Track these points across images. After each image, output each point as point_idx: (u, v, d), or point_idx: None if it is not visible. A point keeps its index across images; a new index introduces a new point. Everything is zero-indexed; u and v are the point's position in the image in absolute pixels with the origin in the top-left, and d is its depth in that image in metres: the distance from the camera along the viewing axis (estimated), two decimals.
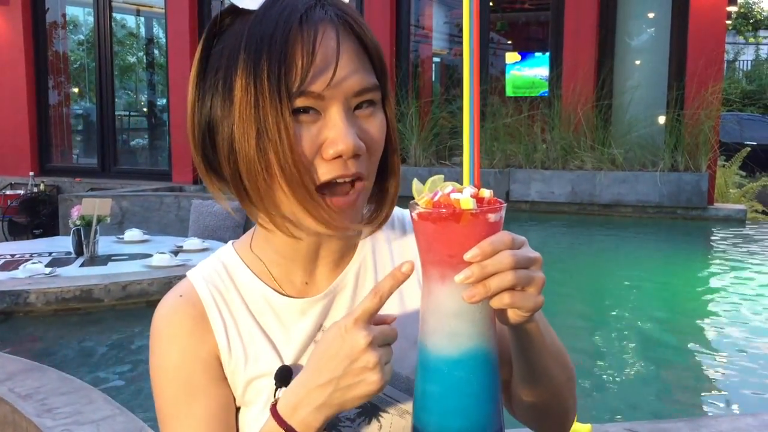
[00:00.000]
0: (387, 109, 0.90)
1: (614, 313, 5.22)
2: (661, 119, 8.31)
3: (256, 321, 0.93)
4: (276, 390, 0.89)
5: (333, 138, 0.82)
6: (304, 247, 0.92)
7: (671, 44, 8.45)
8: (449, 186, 0.75)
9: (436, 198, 0.74)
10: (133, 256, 5.66)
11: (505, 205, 0.75)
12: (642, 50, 8.92)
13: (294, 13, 0.82)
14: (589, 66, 8.33)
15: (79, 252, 5.66)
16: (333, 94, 0.82)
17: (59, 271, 5.10)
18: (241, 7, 0.84)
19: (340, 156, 0.83)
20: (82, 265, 5.41)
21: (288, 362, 0.92)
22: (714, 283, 5.81)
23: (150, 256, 5.36)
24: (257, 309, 0.94)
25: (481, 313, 0.75)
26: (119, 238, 6.41)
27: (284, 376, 0.89)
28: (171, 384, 0.92)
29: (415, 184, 0.77)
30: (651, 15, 8.91)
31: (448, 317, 0.75)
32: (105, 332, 4.47)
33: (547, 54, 9.32)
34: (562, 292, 5.27)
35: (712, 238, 7.45)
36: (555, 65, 8.73)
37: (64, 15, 11.69)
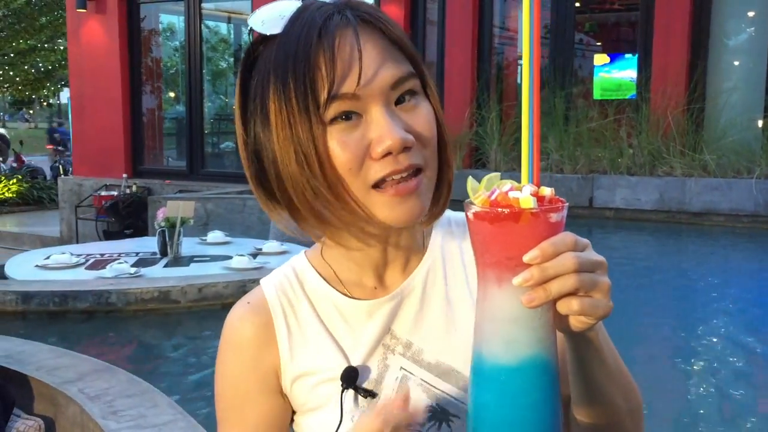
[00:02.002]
0: (430, 96, 0.89)
1: (701, 334, 4.92)
2: (759, 123, 7.87)
3: (324, 325, 0.95)
4: (342, 391, 0.91)
5: (379, 136, 0.81)
6: (371, 251, 0.92)
7: None
8: (507, 184, 0.71)
9: (493, 196, 0.69)
10: (214, 258, 5.81)
11: (567, 204, 0.70)
12: (739, 51, 8.48)
13: (312, 28, 0.82)
14: (680, 68, 7.98)
15: (163, 253, 5.86)
16: (368, 93, 0.82)
17: (143, 271, 5.28)
18: (266, 33, 0.85)
19: (389, 153, 0.81)
20: (165, 266, 5.59)
21: (355, 364, 0.93)
22: None
23: (230, 257, 5.48)
24: (325, 313, 0.95)
25: (540, 320, 0.71)
26: (202, 239, 6.60)
27: (350, 376, 0.91)
28: (228, 391, 0.97)
29: (470, 182, 0.73)
30: (750, 14, 8.46)
31: (505, 323, 0.71)
32: (179, 333, 4.58)
33: (636, 56, 9.00)
34: (645, 311, 5.02)
35: None
36: (644, 67, 8.41)
37: (157, 23, 12.16)
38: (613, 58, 10.09)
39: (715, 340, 4.74)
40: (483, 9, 9.19)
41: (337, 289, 0.95)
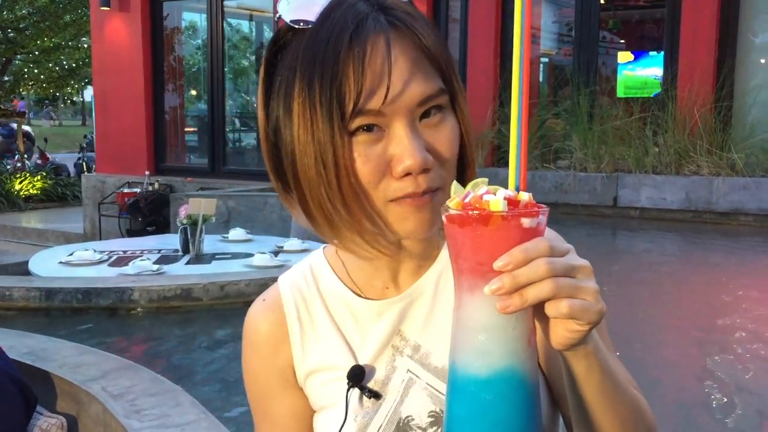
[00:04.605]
0: (458, 111, 0.87)
1: (730, 339, 4.79)
2: None
3: (335, 323, 0.95)
4: (348, 390, 0.91)
5: (399, 155, 0.81)
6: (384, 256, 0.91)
7: None
8: (484, 187, 0.69)
9: (467, 199, 0.68)
10: (235, 255, 5.81)
11: (547, 209, 0.68)
12: (767, 48, 8.33)
13: (344, 32, 0.80)
14: (707, 65, 7.86)
15: (185, 250, 5.86)
16: (394, 109, 0.80)
17: (165, 268, 5.29)
18: (292, 18, 0.83)
19: (409, 173, 0.81)
20: (187, 263, 5.60)
21: (362, 363, 0.93)
22: None
23: (252, 255, 5.47)
24: (336, 311, 0.96)
25: (515, 330, 0.68)
26: (224, 237, 6.60)
27: (356, 375, 0.91)
28: (252, 386, 1.01)
29: (455, 186, 0.72)
30: None
31: (477, 332, 0.69)
32: (201, 331, 4.57)
33: (662, 53, 8.88)
34: (671, 313, 4.92)
35: None
36: (670, 65, 8.30)
37: (180, 20, 12.20)
38: (638, 55, 9.97)
39: (736, 344, 4.63)
40: (506, 6, 9.11)
41: (349, 288, 0.96)
